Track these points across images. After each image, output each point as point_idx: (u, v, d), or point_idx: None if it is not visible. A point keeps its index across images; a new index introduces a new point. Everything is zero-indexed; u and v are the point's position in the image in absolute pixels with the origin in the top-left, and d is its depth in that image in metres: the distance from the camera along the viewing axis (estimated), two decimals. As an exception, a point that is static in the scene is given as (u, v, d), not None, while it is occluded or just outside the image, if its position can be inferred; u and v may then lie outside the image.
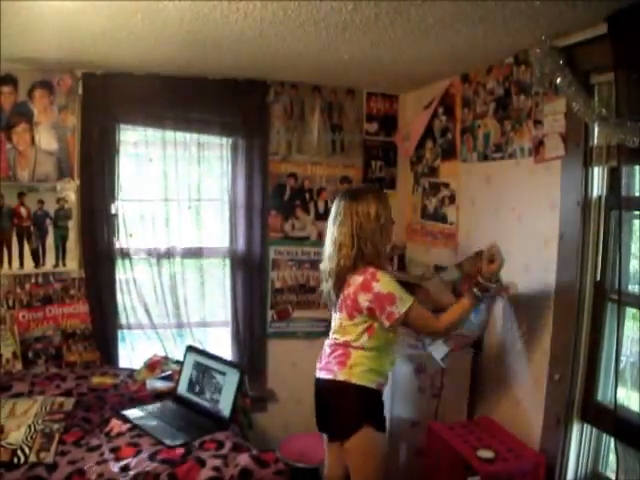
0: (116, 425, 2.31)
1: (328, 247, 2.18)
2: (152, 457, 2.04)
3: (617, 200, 1.96)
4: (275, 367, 3.33)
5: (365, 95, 3.36)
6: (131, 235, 3.02)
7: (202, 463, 2.02)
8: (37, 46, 2.38)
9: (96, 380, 2.69)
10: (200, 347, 2.92)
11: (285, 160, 3.25)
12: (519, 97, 2.36)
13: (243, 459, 2.05)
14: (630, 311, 1.99)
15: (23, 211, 2.84)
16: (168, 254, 3.09)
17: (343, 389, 2.07)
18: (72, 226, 2.93)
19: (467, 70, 2.73)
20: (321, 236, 3.32)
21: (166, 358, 2.97)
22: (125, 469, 1.98)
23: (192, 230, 3.16)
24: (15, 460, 2.00)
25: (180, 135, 3.04)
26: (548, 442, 2.20)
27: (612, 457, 2.08)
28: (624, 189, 1.95)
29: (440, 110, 2.99)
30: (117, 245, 2.99)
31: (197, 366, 2.64)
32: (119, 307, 3.03)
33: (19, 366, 2.83)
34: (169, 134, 3.01)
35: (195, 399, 2.56)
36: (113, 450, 2.11)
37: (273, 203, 3.25)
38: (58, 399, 2.45)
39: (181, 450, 2.11)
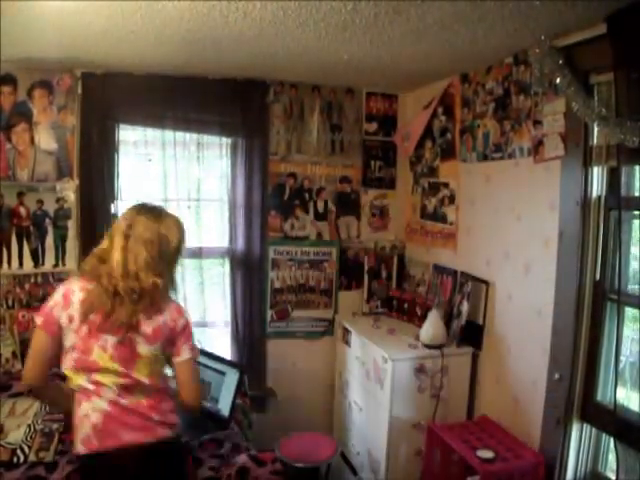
0: (115, 425, 2.31)
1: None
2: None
3: (617, 200, 1.96)
4: (274, 367, 3.33)
5: (365, 95, 3.36)
6: (130, 235, 3.01)
7: (200, 463, 2.02)
8: (37, 46, 2.38)
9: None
10: (200, 347, 2.91)
11: (285, 160, 3.26)
12: (518, 97, 2.36)
13: (241, 459, 2.05)
14: (629, 311, 1.99)
15: (22, 211, 2.84)
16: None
17: None
18: (71, 226, 2.93)
19: (466, 70, 2.73)
20: (321, 236, 3.34)
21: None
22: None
23: (191, 230, 3.15)
24: (15, 459, 2.01)
25: (180, 135, 3.04)
26: (548, 442, 2.20)
27: (611, 457, 2.08)
28: (624, 189, 1.95)
29: (439, 110, 2.99)
30: (117, 245, 2.99)
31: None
32: (119, 307, 3.03)
33: (19, 366, 2.82)
34: (169, 134, 3.01)
35: (194, 399, 2.56)
36: (112, 450, 2.11)
37: (273, 203, 3.25)
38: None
39: (180, 450, 2.11)
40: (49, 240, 2.90)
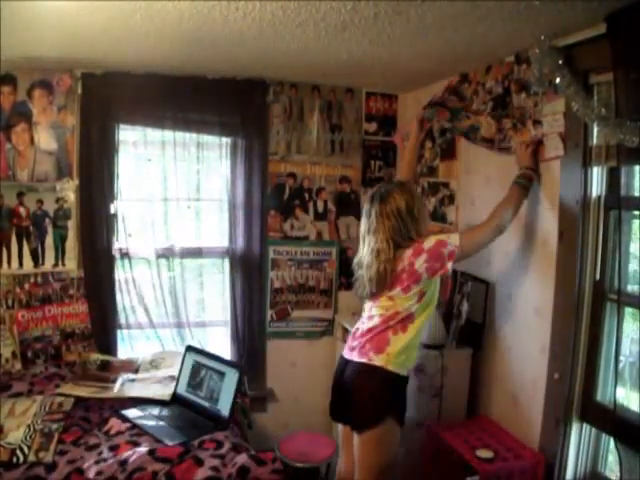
0: (115, 424, 2.31)
1: (366, 256, 2.12)
2: (150, 456, 2.04)
3: (616, 200, 1.96)
4: (274, 367, 3.33)
5: (364, 95, 3.36)
6: (130, 235, 3.02)
7: (200, 462, 2.03)
8: (37, 45, 2.37)
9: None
10: (199, 347, 2.92)
11: (284, 160, 3.26)
12: (520, 95, 2.35)
13: (241, 458, 2.05)
14: (629, 311, 1.99)
15: (22, 211, 2.84)
16: (167, 254, 3.09)
17: (376, 375, 2.05)
18: (71, 226, 2.93)
19: (466, 70, 2.73)
20: (321, 236, 3.34)
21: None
22: (123, 464, 1.98)
23: (191, 230, 3.16)
24: (14, 460, 2.01)
25: (179, 135, 3.04)
26: (547, 442, 2.20)
27: (611, 457, 2.08)
28: (623, 189, 1.95)
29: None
30: (116, 245, 3.00)
31: (196, 366, 2.64)
32: (118, 307, 3.04)
33: (18, 366, 2.83)
34: (168, 134, 3.01)
35: (194, 399, 2.56)
36: (112, 449, 2.12)
37: (272, 203, 3.25)
38: (57, 399, 2.45)
39: (180, 449, 2.11)
40: (49, 240, 2.90)
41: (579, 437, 2.13)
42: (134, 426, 2.31)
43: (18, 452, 2.04)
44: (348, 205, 3.39)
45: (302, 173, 3.30)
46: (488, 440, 2.31)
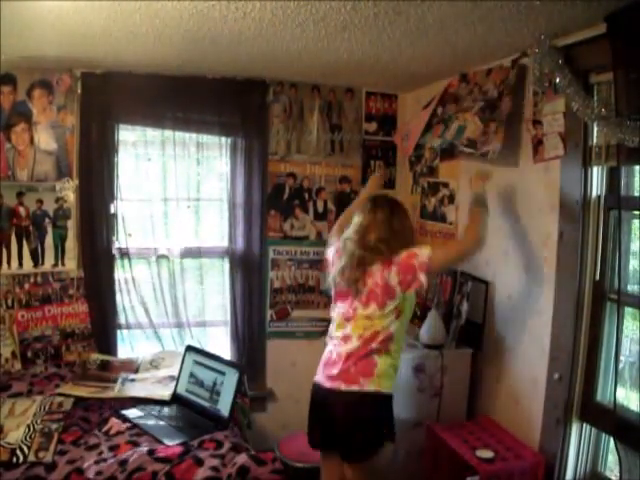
0: (115, 424, 2.31)
1: (352, 234, 2.16)
2: (150, 455, 2.04)
3: (616, 200, 1.96)
4: (274, 367, 3.33)
5: (364, 95, 3.35)
6: (130, 235, 3.01)
7: (200, 462, 2.02)
8: (37, 45, 2.37)
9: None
10: (199, 347, 2.92)
11: (284, 160, 3.25)
12: (509, 99, 2.34)
13: (241, 458, 2.05)
14: (629, 311, 1.99)
15: (22, 211, 2.84)
16: (167, 254, 3.08)
17: (371, 402, 2.02)
18: (71, 226, 2.92)
19: (466, 70, 2.73)
20: (320, 236, 3.34)
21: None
22: (123, 464, 1.98)
23: (191, 230, 3.16)
24: (14, 459, 2.00)
25: (179, 135, 3.04)
26: (547, 442, 2.20)
27: (611, 457, 2.08)
28: (623, 189, 1.95)
29: (439, 110, 2.98)
30: (116, 245, 2.99)
31: (196, 366, 2.64)
32: (118, 307, 3.03)
33: (18, 366, 2.83)
34: (168, 134, 3.01)
35: (194, 399, 2.56)
36: (112, 449, 2.11)
37: (272, 203, 3.25)
38: (57, 399, 2.45)
39: (179, 449, 2.11)
40: (49, 240, 2.90)
41: (579, 437, 2.13)
42: (134, 426, 2.30)
43: (18, 452, 2.04)
44: (348, 205, 3.37)
45: (302, 173, 3.30)
46: (488, 440, 2.31)
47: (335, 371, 2.07)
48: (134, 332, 3.11)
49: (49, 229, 2.89)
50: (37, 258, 2.89)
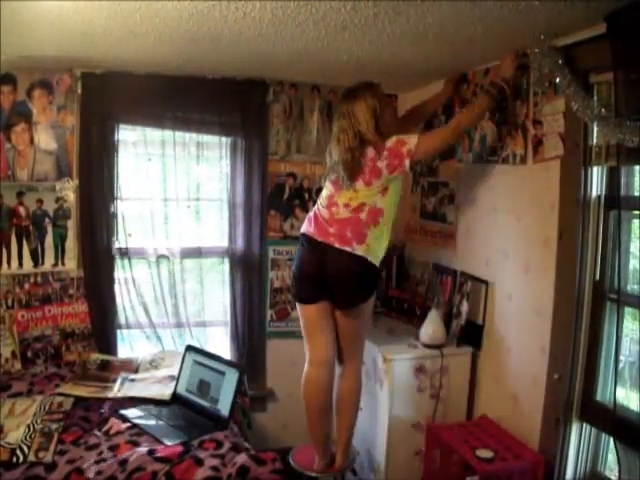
0: (115, 424, 2.31)
1: (332, 142, 2.39)
2: (150, 455, 2.04)
3: (616, 200, 1.96)
4: (274, 366, 3.33)
5: (364, 95, 3.35)
6: (130, 234, 3.02)
7: (200, 462, 2.03)
8: (37, 45, 2.37)
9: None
10: (199, 347, 2.92)
11: (284, 160, 3.26)
12: (515, 102, 2.35)
13: (241, 458, 2.05)
14: (629, 311, 1.99)
15: (22, 211, 2.84)
16: (167, 254, 3.08)
17: (361, 263, 2.28)
18: (71, 225, 2.93)
19: (466, 70, 2.73)
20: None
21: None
22: (123, 463, 1.98)
23: (191, 230, 3.16)
24: (14, 459, 2.00)
25: (179, 135, 3.04)
26: (547, 442, 2.20)
27: (611, 457, 2.08)
28: (623, 189, 1.95)
29: (439, 110, 2.99)
30: (116, 244, 2.99)
31: (196, 366, 2.64)
32: (118, 306, 3.04)
33: (18, 365, 2.83)
34: (168, 134, 3.01)
35: (194, 399, 2.56)
36: (112, 448, 2.11)
37: (272, 203, 3.25)
38: (57, 398, 2.45)
39: (179, 449, 2.11)
40: (49, 240, 2.90)
41: (579, 437, 2.13)
42: (134, 426, 2.30)
43: (18, 452, 2.04)
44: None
45: (302, 173, 3.30)
46: (488, 440, 2.31)
47: (332, 230, 2.31)
48: (134, 332, 3.12)
49: (49, 229, 2.89)
50: (37, 258, 2.89)
